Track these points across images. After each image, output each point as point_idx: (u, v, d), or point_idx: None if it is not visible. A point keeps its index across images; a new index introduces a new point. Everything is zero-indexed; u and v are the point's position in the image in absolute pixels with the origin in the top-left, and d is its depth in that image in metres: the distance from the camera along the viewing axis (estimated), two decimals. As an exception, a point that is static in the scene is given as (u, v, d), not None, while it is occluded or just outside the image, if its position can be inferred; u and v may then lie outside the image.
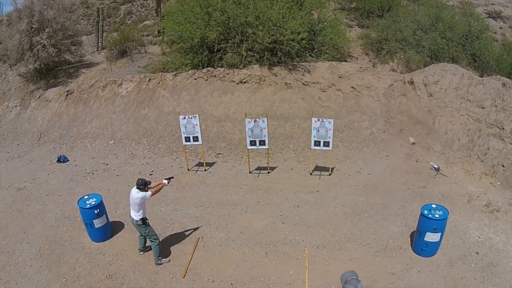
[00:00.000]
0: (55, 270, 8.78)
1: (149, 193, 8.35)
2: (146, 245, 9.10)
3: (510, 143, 12.78)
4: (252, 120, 11.92)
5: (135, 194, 8.28)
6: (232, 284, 8.22)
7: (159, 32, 21.43)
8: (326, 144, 11.75)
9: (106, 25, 24.19)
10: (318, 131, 11.68)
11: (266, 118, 11.91)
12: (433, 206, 8.84)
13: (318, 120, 11.67)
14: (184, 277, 8.44)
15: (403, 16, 18.48)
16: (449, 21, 18.05)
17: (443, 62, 16.05)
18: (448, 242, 9.23)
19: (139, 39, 20.74)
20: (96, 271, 8.74)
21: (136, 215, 8.40)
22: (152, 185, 8.62)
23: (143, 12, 26.36)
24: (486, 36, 19.19)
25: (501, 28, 28.08)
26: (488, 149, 13.14)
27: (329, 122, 11.56)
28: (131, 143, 14.66)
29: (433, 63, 16.38)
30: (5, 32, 23.73)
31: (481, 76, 17.39)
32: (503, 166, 12.43)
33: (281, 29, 14.74)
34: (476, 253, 9.02)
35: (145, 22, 24.39)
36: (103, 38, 22.43)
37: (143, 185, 8.30)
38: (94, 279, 8.52)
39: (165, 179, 8.90)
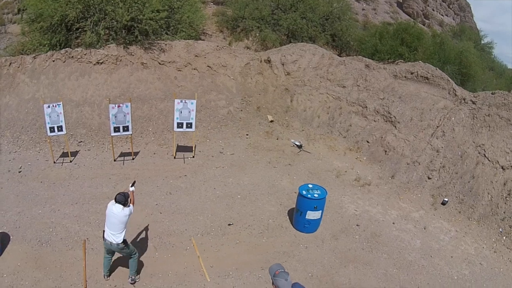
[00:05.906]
0: None
1: (131, 206, 7.23)
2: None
3: (374, 121, 13.52)
4: (116, 105, 11.20)
5: (121, 211, 7.00)
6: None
7: (19, 10, 19.16)
8: (189, 125, 11.58)
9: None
10: (181, 112, 11.43)
11: (129, 103, 11.33)
12: (310, 186, 9.04)
13: (181, 101, 11.41)
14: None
15: (263, -5, 18.58)
16: (311, 2, 18.52)
17: (301, 42, 16.40)
18: (327, 217, 9.54)
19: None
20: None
21: (119, 237, 7.09)
22: None
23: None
24: (348, 17, 20.04)
25: (363, 9, 30.04)
26: (350, 125, 13.82)
27: (192, 103, 11.41)
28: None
29: (290, 42, 16.65)
30: None
31: (340, 55, 18.18)
32: (368, 142, 13.15)
33: (141, 7, 14.04)
34: (357, 225, 9.50)
35: (5, -1, 21.55)
36: None
37: (127, 200, 7.12)
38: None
39: (130, 186, 7.68)
